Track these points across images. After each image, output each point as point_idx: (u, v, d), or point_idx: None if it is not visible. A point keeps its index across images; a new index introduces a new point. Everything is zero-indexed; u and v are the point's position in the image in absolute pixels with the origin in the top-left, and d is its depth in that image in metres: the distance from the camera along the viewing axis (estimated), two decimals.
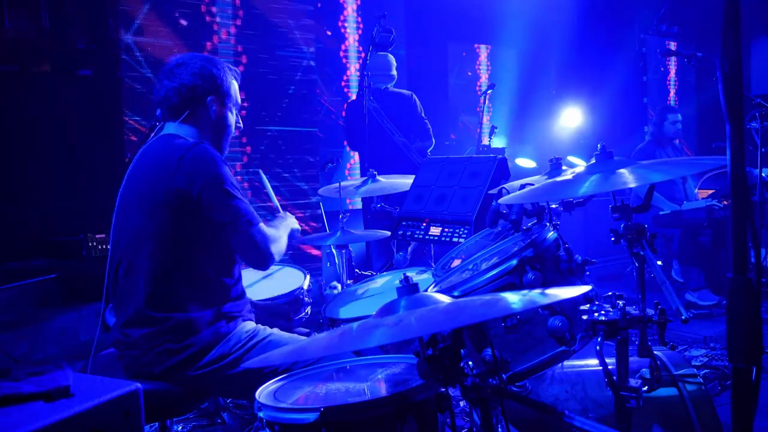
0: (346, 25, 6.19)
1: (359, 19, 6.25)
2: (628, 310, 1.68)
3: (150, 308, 2.01)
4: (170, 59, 2.24)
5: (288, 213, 2.56)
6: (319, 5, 5.84)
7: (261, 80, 5.19)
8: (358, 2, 6.24)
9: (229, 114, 2.26)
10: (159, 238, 2.02)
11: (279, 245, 2.22)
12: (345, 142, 5.64)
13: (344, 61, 6.21)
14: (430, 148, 4.97)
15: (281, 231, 2.32)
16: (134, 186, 2.11)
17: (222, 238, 2.08)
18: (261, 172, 3.07)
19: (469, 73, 7.53)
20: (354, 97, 6.01)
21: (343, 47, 6.19)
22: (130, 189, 2.11)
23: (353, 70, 6.18)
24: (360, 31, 6.22)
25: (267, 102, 5.28)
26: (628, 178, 1.72)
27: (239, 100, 2.32)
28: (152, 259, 2.02)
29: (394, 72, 4.95)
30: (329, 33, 6.09)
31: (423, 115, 4.94)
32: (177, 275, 2.02)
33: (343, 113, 5.56)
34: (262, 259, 2.15)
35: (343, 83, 6.16)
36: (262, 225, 2.14)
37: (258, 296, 2.58)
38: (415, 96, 4.96)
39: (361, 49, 6.16)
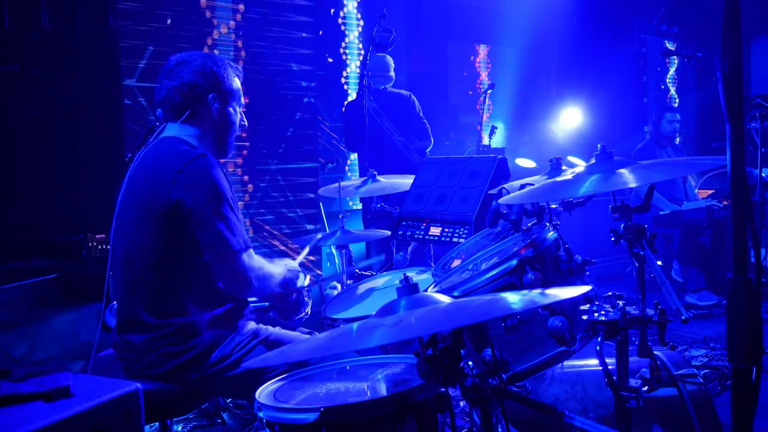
0: (347, 51, 6.21)
1: (360, 46, 6.25)
2: (628, 310, 1.68)
3: (149, 314, 2.00)
4: (170, 58, 2.20)
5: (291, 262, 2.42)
6: (320, 33, 5.87)
7: (262, 119, 5.25)
8: (359, 29, 6.25)
9: (232, 111, 2.22)
10: (156, 245, 2.00)
11: (265, 279, 2.14)
12: (343, 146, 5.63)
13: (345, 87, 6.22)
14: (429, 148, 4.97)
15: (276, 269, 2.24)
16: (133, 191, 2.08)
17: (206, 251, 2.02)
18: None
19: (470, 93, 7.53)
20: (351, 99, 6.01)
21: (344, 74, 6.21)
22: (129, 193, 2.08)
23: (354, 95, 6.20)
24: (361, 57, 6.24)
25: (268, 140, 5.34)
26: (628, 177, 1.72)
27: (242, 97, 2.28)
28: (150, 265, 2.01)
29: (392, 73, 4.96)
30: (331, 60, 6.10)
31: (421, 115, 4.95)
32: (176, 281, 2.01)
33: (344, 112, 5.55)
34: (241, 287, 2.08)
35: (344, 109, 6.17)
36: (252, 252, 2.08)
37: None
38: (413, 96, 4.97)
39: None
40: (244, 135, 5.08)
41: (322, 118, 6.00)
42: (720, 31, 1.16)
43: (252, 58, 5.19)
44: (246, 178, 5.26)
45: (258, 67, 5.22)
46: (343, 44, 6.18)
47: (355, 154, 5.38)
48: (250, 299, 2.28)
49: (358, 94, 5.38)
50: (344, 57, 6.20)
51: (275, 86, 5.36)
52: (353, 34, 6.22)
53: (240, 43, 5.13)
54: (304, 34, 5.51)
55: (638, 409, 1.68)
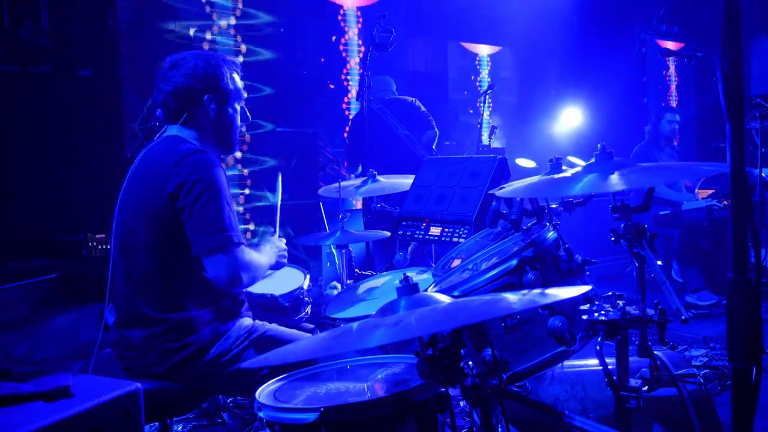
0: (348, 78, 6.21)
1: (361, 71, 6.24)
2: (628, 310, 1.68)
3: (148, 310, 2.01)
4: (165, 60, 2.18)
5: (281, 239, 2.43)
6: (322, 60, 5.87)
7: (263, 155, 5.27)
8: (360, 55, 6.26)
9: (230, 110, 2.20)
10: (155, 241, 2.01)
11: (254, 272, 2.08)
12: (345, 164, 5.60)
13: (347, 113, 6.22)
14: (435, 142, 4.97)
15: (264, 258, 2.21)
16: (133, 188, 2.09)
17: (201, 244, 1.98)
18: (280, 177, 2.89)
19: (471, 111, 7.53)
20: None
21: (345, 99, 6.22)
22: (129, 191, 2.10)
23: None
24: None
25: (269, 177, 5.35)
26: (620, 181, 1.71)
27: (242, 92, 2.25)
28: (149, 262, 2.01)
29: (395, 90, 5.05)
30: (332, 86, 6.10)
31: (424, 110, 5.00)
32: (174, 277, 2.02)
33: (346, 134, 5.55)
34: (231, 282, 2.00)
35: (345, 134, 6.16)
36: (244, 247, 2.04)
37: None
38: (418, 101, 5.01)
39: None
40: (246, 173, 5.12)
41: (324, 144, 6.01)
42: (720, 31, 1.16)
43: (255, 97, 5.21)
44: (248, 216, 5.29)
45: (260, 103, 5.25)
46: (345, 70, 6.19)
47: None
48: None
49: (360, 106, 5.39)
50: (346, 83, 6.20)
51: (276, 123, 5.40)
52: (354, 60, 6.23)
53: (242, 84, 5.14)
54: (305, 72, 5.56)
55: (638, 409, 1.68)
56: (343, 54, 6.19)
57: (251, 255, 2.09)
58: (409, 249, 3.39)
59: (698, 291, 4.96)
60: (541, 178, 2.46)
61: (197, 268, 2.03)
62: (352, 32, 6.18)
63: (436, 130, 5.02)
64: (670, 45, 8.53)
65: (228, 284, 2.01)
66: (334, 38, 6.13)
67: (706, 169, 1.86)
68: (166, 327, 2.00)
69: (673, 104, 8.86)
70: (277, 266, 2.37)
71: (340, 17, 6.15)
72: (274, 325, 2.19)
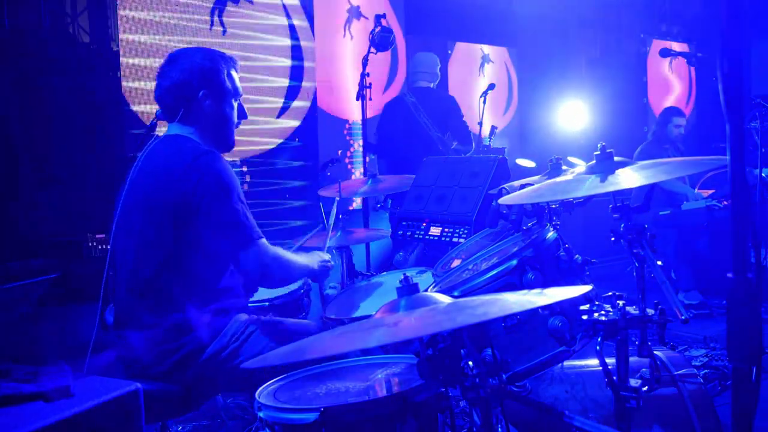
0: (353, 170, 6.21)
1: (366, 160, 6.27)
2: (628, 310, 1.68)
3: (147, 311, 2.01)
4: (167, 56, 2.18)
5: (323, 253, 2.44)
6: (328, 173, 5.87)
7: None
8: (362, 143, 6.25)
9: (226, 106, 2.18)
10: (158, 242, 2.00)
11: (285, 266, 2.14)
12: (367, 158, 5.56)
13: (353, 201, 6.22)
14: (470, 153, 4.84)
15: (299, 258, 2.23)
16: (139, 190, 2.07)
17: (222, 246, 2.02)
18: (335, 205, 2.98)
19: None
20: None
21: (350, 209, 6.19)
22: (134, 192, 2.08)
23: (354, 204, 6.23)
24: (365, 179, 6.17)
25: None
26: (625, 179, 1.72)
27: (239, 89, 2.23)
28: (150, 261, 2.01)
29: (438, 71, 4.94)
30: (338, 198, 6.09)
31: (464, 119, 4.90)
32: (176, 278, 2.01)
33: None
34: (262, 274, 2.07)
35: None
36: (265, 240, 2.08)
37: (258, 297, 2.57)
38: (456, 104, 4.92)
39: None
40: (245, 171, 5.10)
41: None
42: (720, 31, 1.16)
43: (256, 176, 5.22)
44: None
45: (261, 200, 5.24)
46: (348, 154, 6.20)
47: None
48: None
49: (400, 92, 5.31)
50: (349, 166, 6.20)
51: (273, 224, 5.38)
52: (359, 171, 6.21)
53: (248, 178, 5.11)
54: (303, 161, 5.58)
55: (638, 409, 1.67)
56: (349, 167, 6.18)
57: (277, 249, 2.12)
58: (415, 252, 3.38)
59: (689, 290, 4.99)
60: (542, 180, 2.47)
61: (199, 271, 2.03)
62: (357, 144, 6.17)
63: (473, 145, 4.84)
64: (670, 45, 8.53)
65: (260, 277, 2.08)
66: (339, 152, 6.13)
67: (707, 161, 1.85)
68: (164, 328, 2.00)
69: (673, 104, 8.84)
70: (322, 275, 2.38)
71: (345, 131, 6.15)
72: (269, 316, 2.21)
